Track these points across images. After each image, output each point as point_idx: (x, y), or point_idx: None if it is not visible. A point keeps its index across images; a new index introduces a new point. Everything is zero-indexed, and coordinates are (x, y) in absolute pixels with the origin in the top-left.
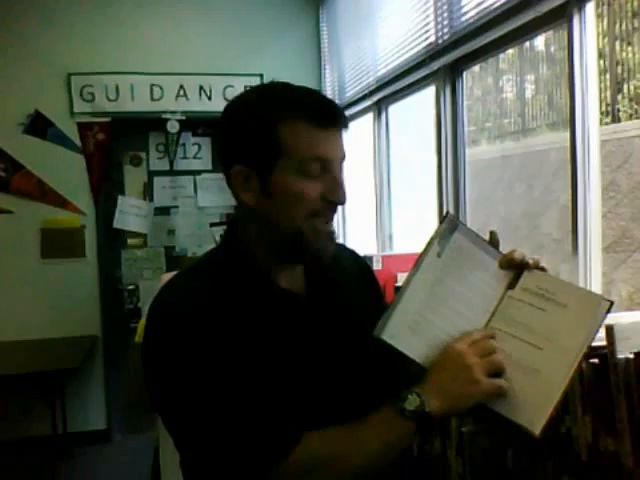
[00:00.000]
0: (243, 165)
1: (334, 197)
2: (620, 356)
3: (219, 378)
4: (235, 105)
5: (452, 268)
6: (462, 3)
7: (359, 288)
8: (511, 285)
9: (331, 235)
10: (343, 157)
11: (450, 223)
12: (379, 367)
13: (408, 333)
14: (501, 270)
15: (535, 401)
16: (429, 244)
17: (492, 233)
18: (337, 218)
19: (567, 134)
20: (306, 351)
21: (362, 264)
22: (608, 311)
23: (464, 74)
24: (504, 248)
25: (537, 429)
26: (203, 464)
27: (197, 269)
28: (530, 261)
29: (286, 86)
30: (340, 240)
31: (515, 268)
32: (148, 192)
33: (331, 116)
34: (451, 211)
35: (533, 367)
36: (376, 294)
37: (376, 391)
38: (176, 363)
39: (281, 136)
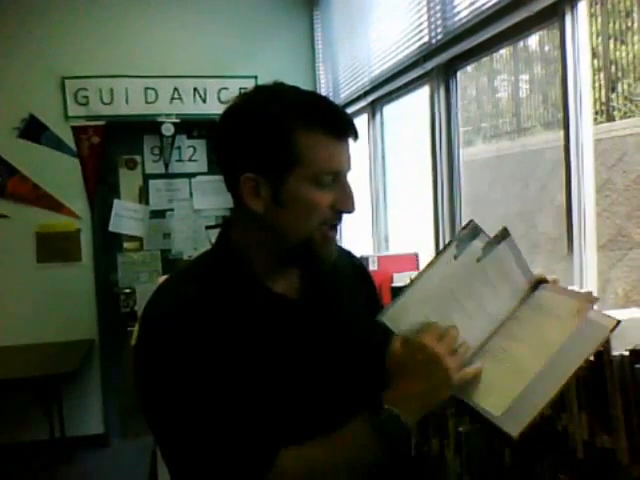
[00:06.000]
0: (255, 173)
1: (345, 207)
2: (615, 353)
3: (201, 396)
4: (245, 110)
5: (486, 274)
6: (455, 3)
7: (355, 291)
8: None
9: (335, 241)
10: (351, 167)
11: (472, 230)
12: (373, 373)
13: (410, 320)
14: (524, 286)
15: (520, 406)
16: (447, 246)
17: (554, 280)
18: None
19: (561, 133)
20: (298, 359)
21: (358, 266)
22: (613, 329)
23: (458, 74)
24: None
25: (516, 432)
26: None
27: (189, 273)
28: (549, 278)
29: (297, 91)
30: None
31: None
32: (144, 195)
33: (346, 127)
34: (446, 211)
35: (529, 375)
36: (372, 296)
37: (366, 398)
38: (161, 378)
39: (298, 146)
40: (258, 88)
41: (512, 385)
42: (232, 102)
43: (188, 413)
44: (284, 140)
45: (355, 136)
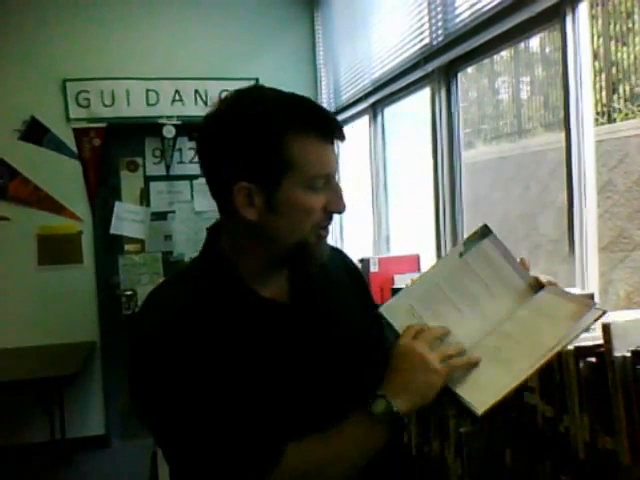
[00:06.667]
0: (247, 181)
1: (337, 208)
2: (617, 354)
3: (199, 400)
4: (231, 117)
5: (471, 270)
6: (456, 4)
7: (347, 292)
8: (523, 299)
9: (326, 241)
10: (339, 167)
11: (481, 230)
12: (364, 374)
13: (406, 314)
14: (522, 288)
15: (490, 386)
16: (455, 246)
17: (523, 260)
18: (333, 221)
19: (562, 135)
20: (290, 362)
21: (350, 266)
22: (597, 319)
23: (459, 76)
24: None
25: (480, 410)
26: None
27: (178, 281)
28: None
29: (280, 94)
30: (337, 243)
31: (536, 289)
32: (145, 197)
33: (335, 130)
34: (447, 213)
35: (507, 359)
36: (365, 296)
37: (359, 400)
38: (158, 384)
39: (290, 151)
40: (240, 93)
41: (500, 384)
42: (214, 108)
43: (187, 419)
44: (276, 146)
45: (342, 137)
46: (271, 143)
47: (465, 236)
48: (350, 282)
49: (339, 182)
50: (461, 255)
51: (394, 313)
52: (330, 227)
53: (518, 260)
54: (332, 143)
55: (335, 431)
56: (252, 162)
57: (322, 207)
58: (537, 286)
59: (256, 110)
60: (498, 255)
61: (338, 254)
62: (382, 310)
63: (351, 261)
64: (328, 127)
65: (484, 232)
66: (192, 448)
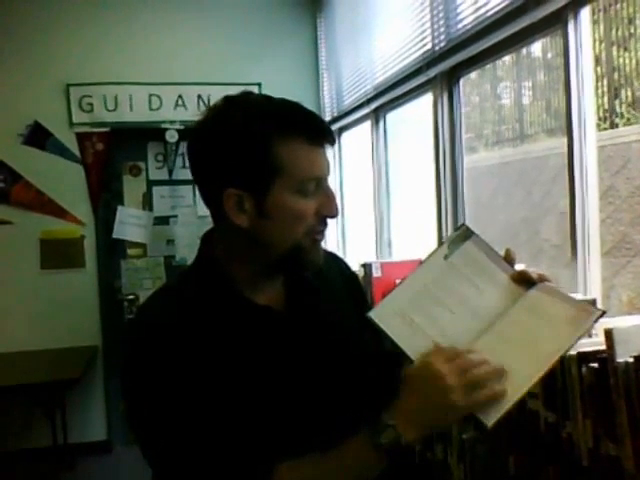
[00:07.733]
0: (237, 188)
1: (329, 212)
2: (620, 360)
3: (189, 415)
4: (220, 124)
5: (458, 271)
6: (458, 10)
7: (343, 298)
8: (515, 299)
9: (321, 246)
10: (330, 171)
11: (463, 232)
12: (361, 384)
13: (397, 318)
14: (511, 285)
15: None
16: (438, 247)
17: (508, 250)
18: (335, 225)
19: (565, 140)
20: (287, 370)
21: (347, 272)
22: (596, 320)
23: (461, 81)
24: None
25: (490, 422)
26: None
27: (172, 291)
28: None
29: (269, 100)
30: (339, 248)
31: (526, 284)
32: (147, 202)
33: (324, 134)
34: (449, 218)
35: (508, 367)
36: (361, 303)
37: (356, 412)
38: (148, 396)
39: (278, 156)
40: (229, 100)
41: (507, 396)
42: (203, 115)
43: (175, 435)
44: (264, 152)
45: (332, 142)
46: (258, 149)
47: (447, 236)
48: (346, 288)
49: (331, 186)
50: (446, 257)
51: (384, 318)
52: (325, 232)
53: (503, 253)
54: (322, 147)
55: (331, 453)
56: (240, 168)
57: (314, 211)
58: (525, 280)
59: (243, 116)
60: (483, 255)
61: (333, 259)
62: (372, 315)
63: (347, 266)
64: (317, 131)
65: (467, 234)
66: (182, 463)
